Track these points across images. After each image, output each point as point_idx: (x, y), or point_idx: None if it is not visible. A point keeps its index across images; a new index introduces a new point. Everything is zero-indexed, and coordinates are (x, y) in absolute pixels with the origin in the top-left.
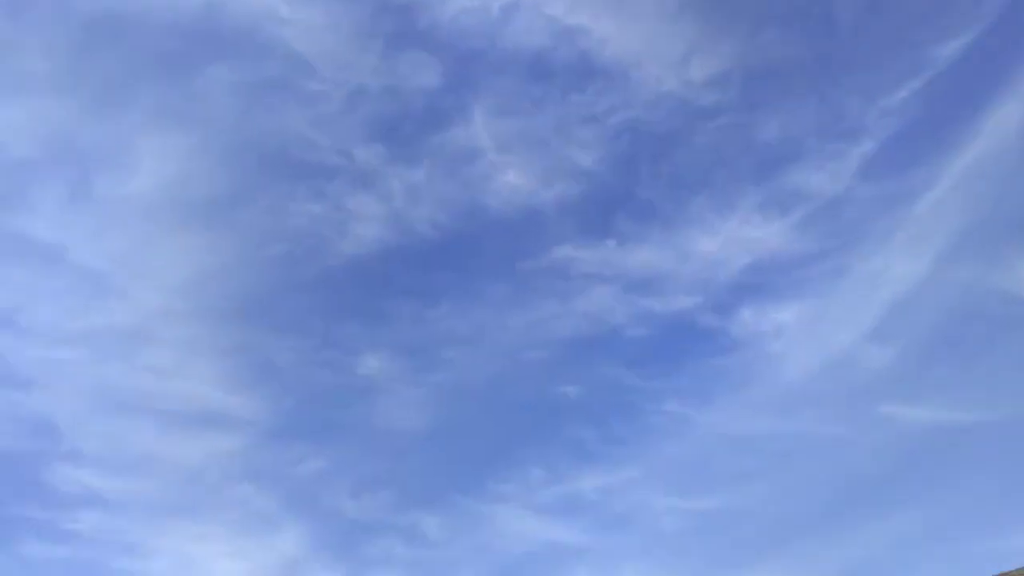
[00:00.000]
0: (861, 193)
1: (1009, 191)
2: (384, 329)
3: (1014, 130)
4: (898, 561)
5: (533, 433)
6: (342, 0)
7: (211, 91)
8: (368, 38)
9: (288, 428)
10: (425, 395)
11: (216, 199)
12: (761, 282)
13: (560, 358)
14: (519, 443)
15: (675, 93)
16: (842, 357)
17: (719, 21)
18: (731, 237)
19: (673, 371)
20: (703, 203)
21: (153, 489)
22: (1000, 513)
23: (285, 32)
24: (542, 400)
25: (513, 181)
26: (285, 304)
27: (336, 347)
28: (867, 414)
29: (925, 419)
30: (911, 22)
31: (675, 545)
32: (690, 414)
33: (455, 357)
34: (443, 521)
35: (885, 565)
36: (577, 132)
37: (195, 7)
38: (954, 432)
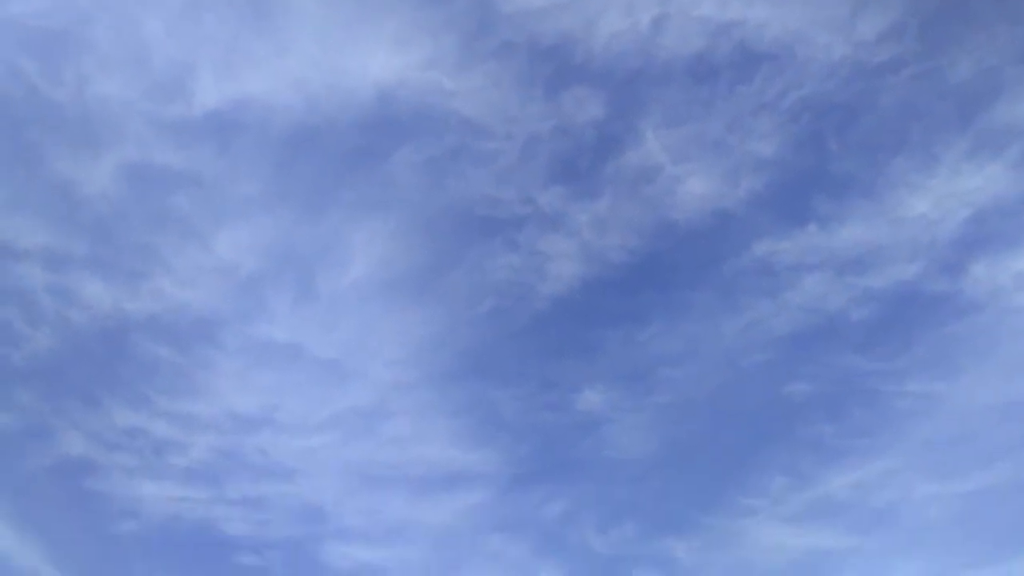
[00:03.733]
0: None
1: None
2: (597, 361)
3: None
4: None
5: (770, 439)
6: (497, 58)
7: (399, 173)
8: (529, 87)
9: (525, 475)
10: (650, 419)
11: (423, 271)
12: (988, 233)
13: (783, 356)
14: (757, 452)
15: (848, 58)
16: None
17: None
18: (943, 192)
19: (909, 347)
20: (904, 164)
21: (414, 553)
22: None
23: (454, 103)
24: (772, 403)
25: (697, 189)
26: (501, 355)
27: (555, 388)
28: None
29: None
30: None
31: (947, 534)
32: (938, 390)
33: (673, 375)
34: (693, 544)
35: None
36: (752, 124)
37: (369, 101)
38: None
